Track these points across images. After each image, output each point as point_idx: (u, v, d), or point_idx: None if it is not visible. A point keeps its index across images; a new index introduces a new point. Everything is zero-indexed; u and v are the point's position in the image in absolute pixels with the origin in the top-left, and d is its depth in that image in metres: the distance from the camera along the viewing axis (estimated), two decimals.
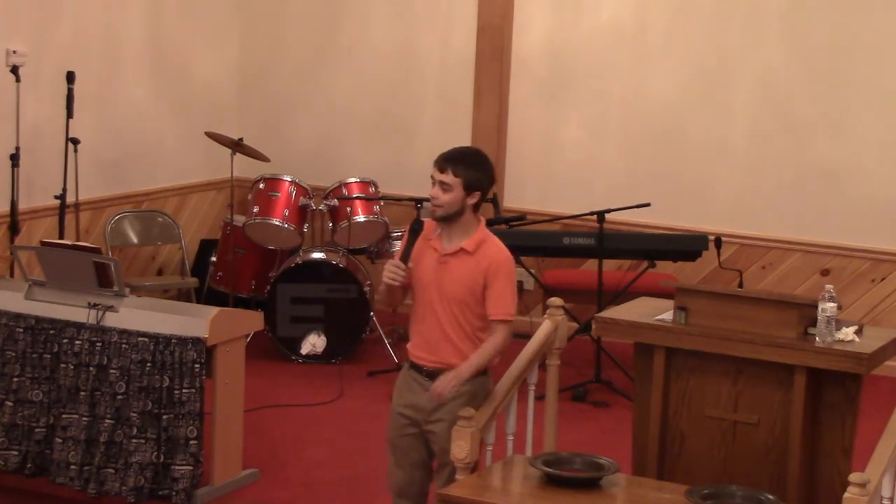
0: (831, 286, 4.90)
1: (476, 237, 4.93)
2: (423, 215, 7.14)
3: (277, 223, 8.35)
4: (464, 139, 9.03)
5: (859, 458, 4.77)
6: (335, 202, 8.39)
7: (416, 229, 4.94)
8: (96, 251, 6.18)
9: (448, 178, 4.86)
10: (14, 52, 7.77)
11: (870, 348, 4.78)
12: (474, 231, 4.94)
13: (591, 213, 7.78)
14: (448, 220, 4.90)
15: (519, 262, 8.12)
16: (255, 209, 8.38)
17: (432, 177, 4.89)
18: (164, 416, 5.81)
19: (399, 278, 4.87)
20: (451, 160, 4.88)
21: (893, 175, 8.18)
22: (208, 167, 9.18)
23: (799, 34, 8.34)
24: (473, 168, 4.90)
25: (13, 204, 7.58)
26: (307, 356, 8.17)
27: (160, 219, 8.80)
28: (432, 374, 4.94)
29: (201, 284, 8.78)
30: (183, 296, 8.78)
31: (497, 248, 4.97)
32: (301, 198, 8.44)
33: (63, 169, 7.81)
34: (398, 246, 7.23)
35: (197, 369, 5.82)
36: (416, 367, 5.00)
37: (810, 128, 8.35)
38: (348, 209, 8.35)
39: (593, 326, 5.30)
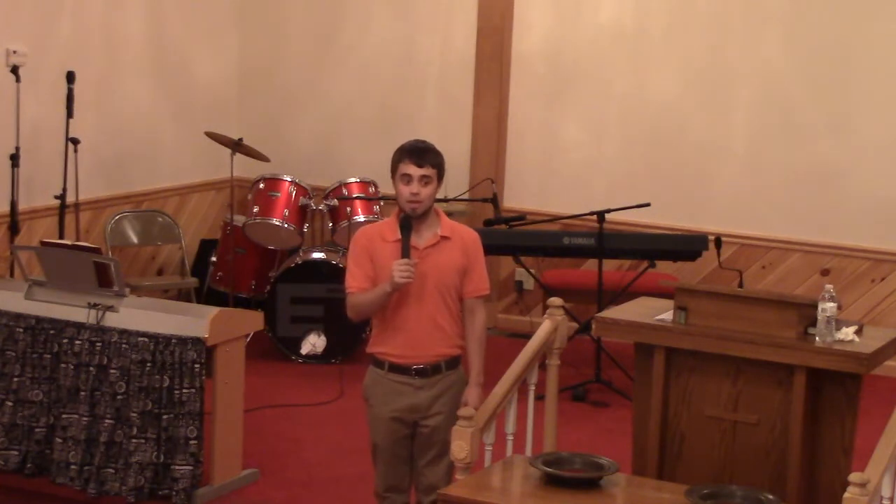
0: (831, 286, 4.89)
1: (445, 223, 5.01)
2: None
3: (277, 223, 8.35)
4: (464, 139, 9.05)
5: (859, 458, 4.77)
6: (335, 202, 8.40)
7: (407, 226, 4.92)
8: (96, 251, 6.18)
9: (429, 171, 4.91)
10: (14, 52, 7.77)
11: (870, 348, 4.77)
12: (439, 218, 5.01)
13: (591, 213, 7.78)
14: (425, 213, 4.94)
15: (519, 262, 8.17)
16: (255, 209, 8.38)
17: (408, 174, 4.89)
18: (164, 416, 5.82)
19: (412, 274, 4.85)
20: (427, 153, 4.94)
21: (893, 175, 8.18)
22: (208, 167, 9.18)
23: (799, 34, 8.34)
24: (440, 157, 4.99)
25: (13, 204, 7.58)
26: (307, 356, 8.17)
27: (160, 219, 8.81)
28: (423, 372, 4.98)
29: (201, 284, 8.78)
30: (183, 296, 8.78)
31: (466, 229, 5.11)
32: (301, 198, 8.44)
33: (63, 169, 7.81)
34: None
35: (197, 369, 5.83)
36: (400, 370, 4.99)
37: (810, 128, 8.35)
38: (348, 209, 8.36)
39: (593, 326, 5.29)
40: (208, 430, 5.99)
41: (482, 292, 5.05)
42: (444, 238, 4.97)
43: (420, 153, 4.92)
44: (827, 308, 4.80)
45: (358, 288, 4.98)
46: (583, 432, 7.06)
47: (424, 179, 4.89)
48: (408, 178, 4.89)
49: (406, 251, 4.88)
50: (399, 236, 4.93)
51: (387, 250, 4.94)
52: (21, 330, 6.04)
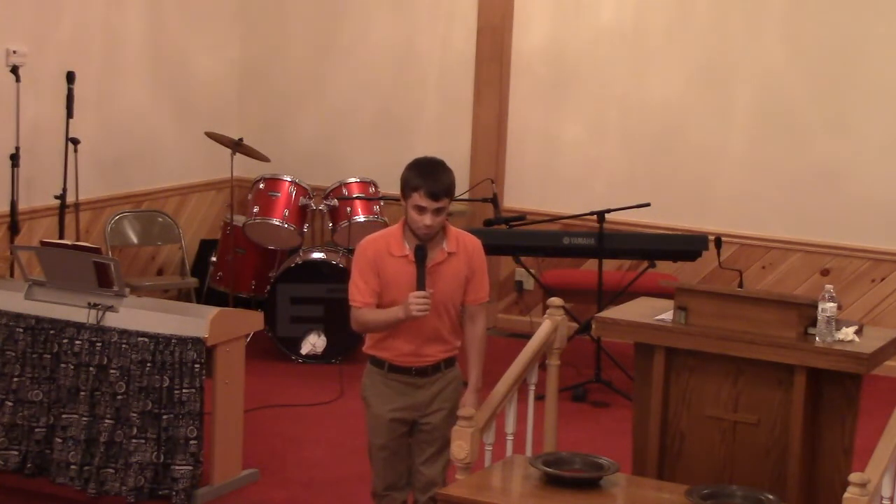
0: (831, 286, 4.90)
1: (451, 235, 4.99)
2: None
3: (277, 223, 8.35)
4: (464, 139, 9.05)
5: (859, 458, 4.77)
6: (335, 202, 8.40)
7: (422, 256, 4.89)
8: (96, 251, 6.18)
9: (444, 202, 4.86)
10: (14, 52, 7.77)
11: (870, 348, 4.78)
12: (445, 231, 4.98)
13: (591, 213, 7.78)
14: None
15: (519, 262, 8.17)
16: (255, 209, 8.38)
17: (421, 206, 4.82)
18: (164, 416, 5.81)
19: (429, 306, 4.83)
20: (442, 185, 4.84)
21: (893, 175, 8.18)
22: (208, 167, 9.18)
23: (799, 34, 8.34)
24: (452, 180, 4.93)
25: (13, 204, 7.58)
26: (307, 356, 8.17)
27: (160, 219, 8.80)
28: (423, 372, 5.00)
29: (201, 284, 8.78)
30: (183, 296, 8.78)
31: (469, 237, 5.06)
32: (301, 198, 8.44)
33: (63, 169, 7.81)
34: None
35: (197, 369, 5.82)
36: (399, 370, 5.00)
37: (810, 128, 8.35)
38: (348, 209, 8.36)
39: (593, 326, 5.30)
40: (208, 430, 5.99)
41: (483, 300, 5.05)
42: (451, 254, 4.96)
43: (436, 186, 4.82)
44: (827, 308, 4.80)
45: (364, 303, 4.95)
46: (583, 432, 7.06)
47: (439, 211, 4.85)
48: (422, 210, 4.84)
49: (422, 283, 4.85)
50: (406, 252, 4.91)
51: (394, 266, 4.93)
52: (21, 330, 6.04)
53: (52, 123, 7.88)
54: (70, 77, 7.79)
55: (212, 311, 6.01)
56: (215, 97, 9.44)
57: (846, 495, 4.21)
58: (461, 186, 8.60)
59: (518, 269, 8.79)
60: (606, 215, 7.71)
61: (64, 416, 5.94)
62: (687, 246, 7.87)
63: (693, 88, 8.61)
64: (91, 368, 5.91)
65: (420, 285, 4.85)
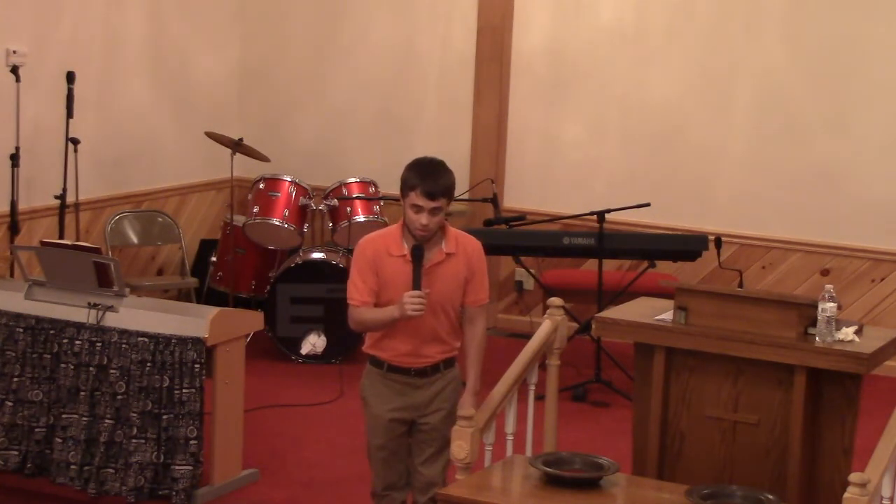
0: (831, 286, 4.90)
1: (450, 236, 4.98)
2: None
3: (277, 223, 8.35)
4: (464, 139, 9.04)
5: (859, 458, 4.77)
6: (335, 202, 8.40)
7: (418, 255, 4.89)
8: (96, 251, 6.18)
9: (440, 202, 4.85)
10: (14, 52, 7.77)
11: (870, 348, 4.78)
12: (444, 231, 4.98)
13: (591, 213, 7.78)
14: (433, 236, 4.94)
15: (519, 262, 8.17)
16: (255, 209, 8.38)
17: (419, 205, 4.82)
18: (164, 416, 5.82)
19: (424, 306, 4.84)
20: (439, 186, 4.83)
21: (893, 175, 8.19)
22: (208, 167, 9.18)
23: (799, 34, 8.34)
24: (451, 181, 4.92)
25: (13, 204, 7.58)
26: (307, 356, 8.17)
27: (160, 219, 8.80)
28: (422, 372, 5.01)
29: (201, 284, 8.78)
30: (183, 296, 8.78)
31: (469, 238, 5.06)
32: (301, 198, 8.44)
33: (63, 169, 7.81)
34: None
35: (197, 369, 5.82)
36: (399, 370, 5.00)
37: (810, 128, 8.36)
38: (348, 209, 8.36)
39: (593, 326, 5.30)
40: (208, 430, 5.99)
41: (482, 302, 5.05)
42: (449, 255, 4.96)
43: (433, 185, 4.82)
44: (827, 308, 4.80)
45: (362, 302, 4.95)
46: (583, 432, 7.06)
47: (435, 210, 4.85)
48: (418, 209, 4.84)
49: (417, 283, 4.85)
50: (404, 252, 4.91)
51: (393, 265, 4.93)
52: (21, 330, 6.04)
53: (52, 123, 7.88)
54: (70, 77, 7.79)
55: (212, 311, 6.01)
56: (215, 97, 9.44)
57: (846, 495, 4.21)
58: (461, 186, 8.60)
59: (518, 269, 8.79)
60: (606, 215, 7.71)
61: (64, 416, 5.94)
62: (687, 246, 7.87)
63: (693, 88, 8.61)
64: (91, 368, 5.91)
65: (416, 285, 4.85)
